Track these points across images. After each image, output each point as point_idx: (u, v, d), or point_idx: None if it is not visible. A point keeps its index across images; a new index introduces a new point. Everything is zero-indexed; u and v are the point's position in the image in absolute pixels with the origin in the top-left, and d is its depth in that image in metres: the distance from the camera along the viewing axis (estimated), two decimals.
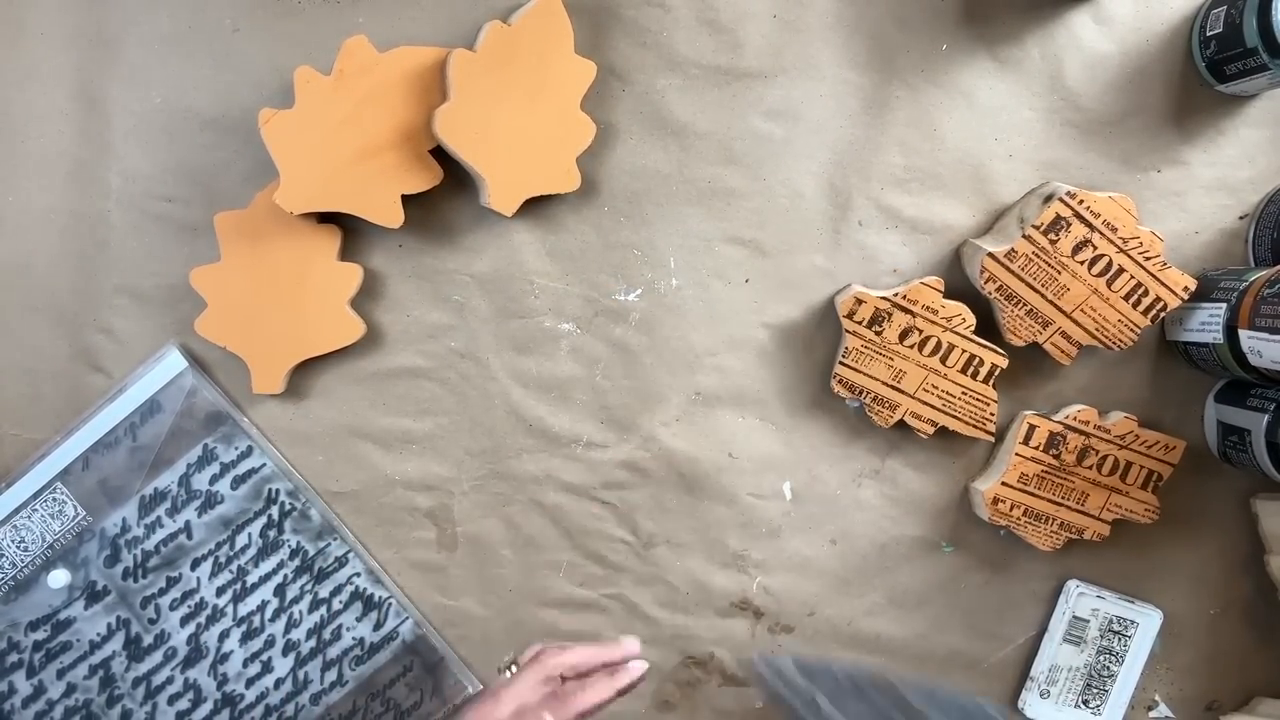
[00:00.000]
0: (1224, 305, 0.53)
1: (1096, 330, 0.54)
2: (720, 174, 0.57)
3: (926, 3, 0.56)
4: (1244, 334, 0.51)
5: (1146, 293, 0.54)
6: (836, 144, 0.57)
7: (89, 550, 0.56)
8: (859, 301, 0.55)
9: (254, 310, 0.55)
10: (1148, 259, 0.53)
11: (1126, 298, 0.54)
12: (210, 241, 0.54)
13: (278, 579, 0.57)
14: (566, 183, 0.54)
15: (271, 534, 0.57)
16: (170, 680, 0.57)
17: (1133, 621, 0.59)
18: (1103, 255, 0.53)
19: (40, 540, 0.56)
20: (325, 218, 0.55)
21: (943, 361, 0.55)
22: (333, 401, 0.57)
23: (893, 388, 0.56)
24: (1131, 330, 0.54)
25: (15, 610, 0.56)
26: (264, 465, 0.57)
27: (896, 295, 0.55)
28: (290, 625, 0.57)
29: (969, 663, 0.60)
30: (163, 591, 0.57)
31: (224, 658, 0.57)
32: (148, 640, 0.57)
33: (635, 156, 0.56)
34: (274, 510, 0.57)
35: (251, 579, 0.57)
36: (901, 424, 0.56)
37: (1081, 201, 0.53)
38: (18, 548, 0.55)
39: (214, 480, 0.56)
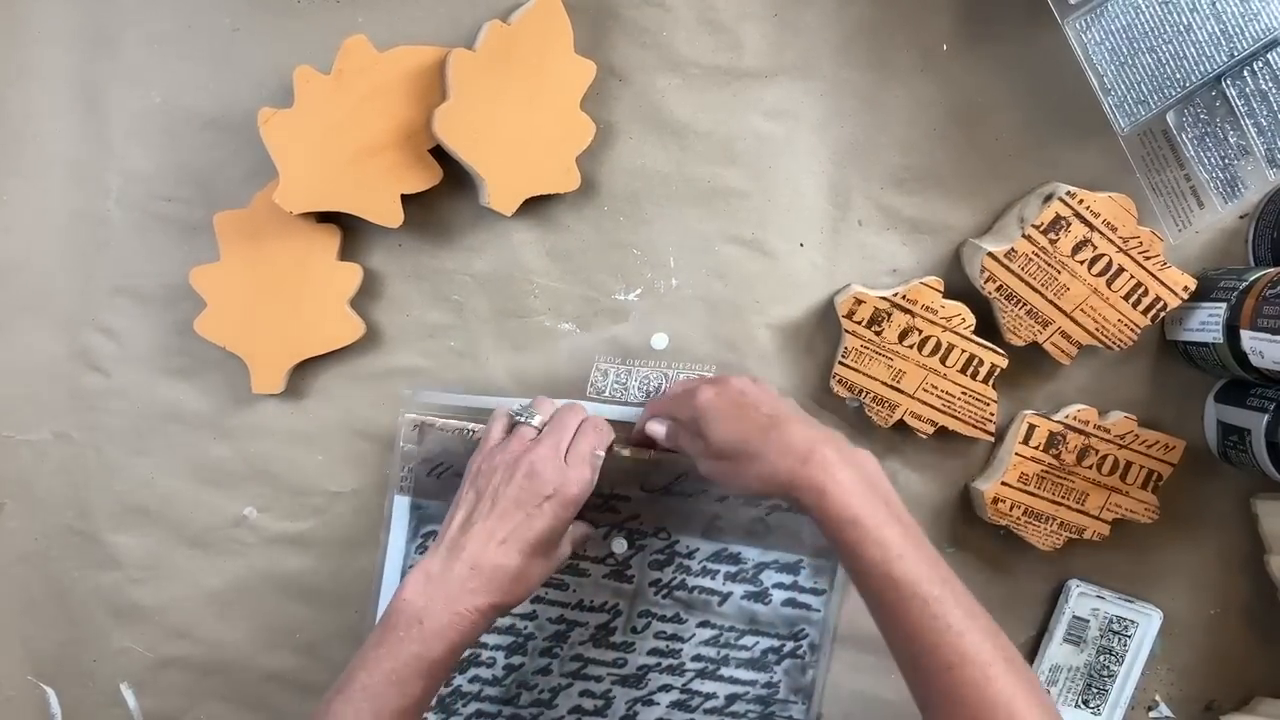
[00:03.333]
0: (1224, 305, 0.53)
1: (1096, 330, 0.54)
2: (720, 174, 0.57)
3: (926, 3, 0.56)
4: (1246, 334, 0.51)
5: (1146, 292, 0.54)
6: (836, 144, 0.57)
7: (650, 541, 0.58)
8: (859, 301, 0.55)
9: (254, 310, 0.55)
10: (1147, 259, 0.53)
11: (1126, 297, 0.54)
12: (210, 241, 0.54)
13: (736, 689, 0.59)
14: (566, 182, 0.54)
15: (770, 658, 0.59)
16: (599, 679, 0.59)
17: (1133, 621, 0.59)
18: (1103, 255, 0.53)
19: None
20: (325, 217, 0.55)
21: (942, 361, 0.55)
22: (333, 401, 0.57)
23: (892, 388, 0.56)
24: (1131, 330, 0.54)
25: None
26: (819, 612, 0.59)
27: (896, 295, 0.55)
28: None
29: None
30: (662, 619, 0.59)
31: (649, 701, 0.59)
32: (616, 639, 0.59)
33: (635, 156, 0.56)
34: (789, 644, 0.59)
35: (724, 672, 0.59)
36: (901, 424, 0.56)
37: (1081, 201, 0.53)
38: None
39: (778, 586, 0.58)
